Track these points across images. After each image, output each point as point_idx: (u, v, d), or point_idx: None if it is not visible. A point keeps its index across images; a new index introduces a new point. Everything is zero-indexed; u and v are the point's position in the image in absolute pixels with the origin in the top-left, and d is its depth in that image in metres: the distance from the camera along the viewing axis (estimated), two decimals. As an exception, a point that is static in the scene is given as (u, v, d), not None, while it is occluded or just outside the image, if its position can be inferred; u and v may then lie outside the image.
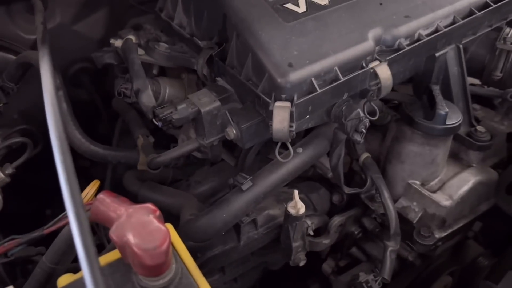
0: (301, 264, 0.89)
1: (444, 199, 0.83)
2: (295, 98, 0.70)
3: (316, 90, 0.70)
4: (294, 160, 0.81)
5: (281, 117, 0.68)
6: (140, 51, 0.86)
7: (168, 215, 0.85)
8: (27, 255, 0.75)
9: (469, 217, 0.90)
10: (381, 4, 0.82)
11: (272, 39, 0.72)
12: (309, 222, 0.89)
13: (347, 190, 0.88)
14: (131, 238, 0.50)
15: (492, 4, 0.89)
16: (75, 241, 0.41)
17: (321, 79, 0.72)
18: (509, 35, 0.93)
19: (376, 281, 0.83)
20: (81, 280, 0.55)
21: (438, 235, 0.85)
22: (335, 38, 0.76)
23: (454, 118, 0.81)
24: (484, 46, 0.97)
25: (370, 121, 0.83)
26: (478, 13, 0.87)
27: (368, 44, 0.77)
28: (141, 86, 0.77)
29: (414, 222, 0.86)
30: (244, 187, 0.78)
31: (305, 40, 0.74)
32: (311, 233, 0.90)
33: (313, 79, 0.71)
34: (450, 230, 0.87)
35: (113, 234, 0.52)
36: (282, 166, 0.80)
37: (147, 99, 0.76)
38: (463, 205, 0.86)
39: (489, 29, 0.94)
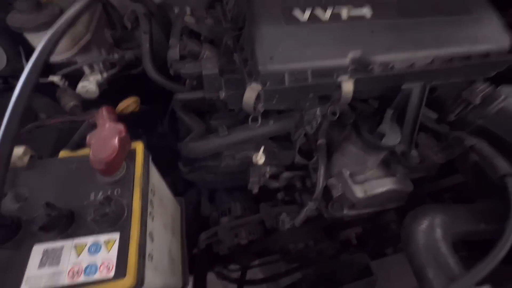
0: (254, 191, 0.79)
1: (359, 192, 0.65)
2: (268, 84, 0.53)
3: (285, 84, 0.53)
4: (263, 128, 0.67)
5: (249, 95, 0.53)
6: (192, 20, 0.70)
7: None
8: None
9: (376, 208, 0.72)
10: (372, 32, 0.58)
11: (268, 35, 0.54)
12: (267, 169, 0.77)
13: (297, 158, 0.72)
14: (92, 146, 0.42)
15: (474, 59, 0.60)
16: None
17: (294, 76, 0.54)
18: (477, 90, 0.64)
19: (288, 222, 0.71)
20: (77, 158, 0.51)
21: (346, 212, 0.69)
22: (318, 48, 0.55)
23: (391, 140, 0.60)
24: (452, 90, 0.69)
25: (338, 118, 0.63)
26: (456, 64, 0.59)
27: (344, 61, 0.56)
28: (172, 43, 0.63)
29: (334, 196, 0.69)
30: (221, 134, 0.66)
31: (293, 43, 0.55)
32: (267, 176, 0.77)
33: (286, 74, 0.53)
34: (356, 212, 0.70)
35: (88, 138, 0.44)
36: (253, 129, 0.66)
37: (172, 53, 0.63)
38: (373, 200, 0.68)
39: (463, 79, 0.65)
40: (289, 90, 0.54)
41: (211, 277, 1.21)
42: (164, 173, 0.95)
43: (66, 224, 0.41)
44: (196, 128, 0.76)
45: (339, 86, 0.55)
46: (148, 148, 1.05)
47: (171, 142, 0.93)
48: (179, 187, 1.11)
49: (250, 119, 0.60)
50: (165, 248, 0.59)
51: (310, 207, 0.69)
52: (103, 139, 0.43)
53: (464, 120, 0.66)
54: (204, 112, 0.87)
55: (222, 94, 0.60)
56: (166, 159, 0.94)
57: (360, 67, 0.58)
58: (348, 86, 0.55)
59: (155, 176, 0.58)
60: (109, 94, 0.87)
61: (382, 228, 0.93)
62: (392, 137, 0.60)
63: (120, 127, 0.45)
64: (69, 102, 0.75)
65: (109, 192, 0.44)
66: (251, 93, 0.53)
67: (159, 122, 1.02)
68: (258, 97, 0.54)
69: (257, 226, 1.00)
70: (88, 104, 0.83)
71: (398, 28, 0.60)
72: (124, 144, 0.45)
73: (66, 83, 0.77)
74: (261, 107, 0.55)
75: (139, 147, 0.51)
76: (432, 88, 0.65)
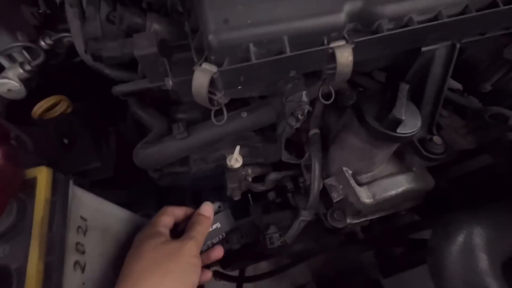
0: (235, 198, 0.63)
1: (366, 196, 0.49)
2: (225, 63, 0.35)
3: (251, 60, 0.34)
4: (234, 123, 0.49)
5: (200, 82, 0.35)
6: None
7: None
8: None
9: (388, 211, 0.56)
10: (377, -32, 0.38)
11: (219, -17, 0.35)
12: (249, 171, 0.60)
13: (284, 157, 0.55)
14: None
15: (526, -1, 0.40)
16: None
17: (263, 47, 0.35)
18: (525, 45, 0.45)
19: (279, 240, 0.55)
20: None
21: (349, 220, 0.54)
22: (297, 0, 0.36)
23: (409, 127, 0.42)
24: (486, 50, 0.49)
25: (333, 100, 0.45)
26: (502, 7, 0.39)
27: (338, 18, 0.36)
28: (88, 14, 0.44)
29: (334, 201, 0.53)
30: (178, 136, 0.48)
31: (259, -6, 0.35)
32: (250, 179, 0.61)
33: (251, 45, 0.34)
34: (363, 219, 0.55)
35: None
36: (219, 127, 0.48)
37: (89, 29, 0.43)
38: (384, 204, 0.52)
39: (504, 32, 0.45)
40: (258, 68, 0.35)
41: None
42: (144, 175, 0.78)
43: None
44: (155, 128, 0.58)
45: (332, 56, 0.37)
46: (120, 146, 0.88)
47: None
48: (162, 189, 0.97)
49: (212, 113, 0.42)
50: (117, 292, 0.44)
51: (304, 218, 0.54)
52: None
53: (504, 90, 0.48)
54: (170, 103, 0.69)
55: (169, 82, 0.42)
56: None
57: (361, 25, 0.39)
58: (345, 55, 0.36)
59: (89, 206, 0.41)
60: (49, 91, 0.69)
61: (392, 218, 0.79)
62: (411, 123, 0.43)
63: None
64: (-15, 108, 0.57)
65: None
66: (201, 78, 0.35)
67: (121, 120, 0.84)
68: (213, 84, 0.36)
69: (250, 227, 0.86)
70: (21, 107, 0.65)
71: (415, -38, 0.40)
72: (1, 178, 0.28)
73: (-19, 82, 0.59)
74: (221, 98, 0.38)
75: (42, 174, 0.34)
76: (461, 48, 0.47)
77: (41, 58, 0.61)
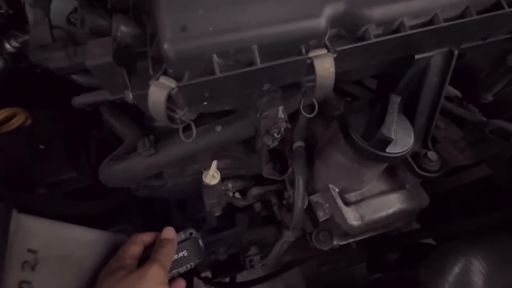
0: (216, 214, 0.58)
1: (353, 218, 0.44)
2: (186, 77, 0.30)
3: (216, 73, 0.29)
4: (207, 138, 0.44)
5: (156, 99, 0.29)
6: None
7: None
8: None
9: (379, 231, 0.51)
10: (364, -36, 0.32)
11: (176, -16, 0.29)
12: (230, 186, 0.55)
13: (265, 173, 0.51)
14: None
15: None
16: None
17: (230, 57, 0.30)
18: (532, 51, 0.40)
19: (260, 262, 0.51)
20: None
21: (336, 242, 0.49)
22: (269, 2, 0.30)
23: (400, 146, 0.37)
24: (487, 56, 0.44)
25: (319, 109, 0.40)
26: (507, 9, 0.34)
27: (317, 23, 0.31)
28: (38, 18, 0.38)
29: (320, 220, 0.49)
30: (144, 154, 0.43)
31: (223, -4, 0.30)
32: (230, 194, 0.56)
33: (215, 56, 0.29)
34: (351, 240, 0.50)
35: None
36: (191, 143, 0.43)
37: (37, 34, 0.38)
38: (374, 225, 0.47)
39: (508, 36, 0.40)
40: (224, 82, 0.30)
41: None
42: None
43: None
44: (127, 139, 0.53)
45: (310, 67, 0.32)
46: (102, 151, 0.83)
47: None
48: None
49: (180, 129, 0.37)
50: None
51: (287, 239, 0.49)
52: None
53: (506, 101, 0.43)
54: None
55: (129, 95, 0.37)
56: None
57: (345, 31, 0.34)
58: (326, 67, 0.31)
59: (40, 235, 0.36)
60: (19, 97, 0.64)
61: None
62: (402, 141, 0.38)
63: None
64: None
65: None
66: (157, 94, 0.30)
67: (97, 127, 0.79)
68: (173, 100, 0.31)
69: (236, 238, 0.82)
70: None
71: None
72: None
73: None
74: (184, 115, 0.33)
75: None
76: (459, 53, 0.42)
77: (0, 64, 0.56)
